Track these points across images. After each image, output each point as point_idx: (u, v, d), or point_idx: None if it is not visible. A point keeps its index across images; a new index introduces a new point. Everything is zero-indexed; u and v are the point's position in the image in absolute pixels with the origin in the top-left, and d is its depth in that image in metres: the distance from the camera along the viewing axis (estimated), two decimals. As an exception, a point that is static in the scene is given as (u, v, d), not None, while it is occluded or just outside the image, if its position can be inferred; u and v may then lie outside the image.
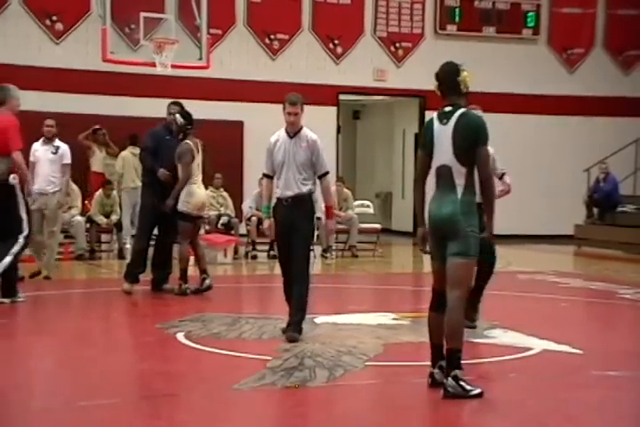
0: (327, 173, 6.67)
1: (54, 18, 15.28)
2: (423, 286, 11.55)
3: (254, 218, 13.28)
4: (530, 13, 17.96)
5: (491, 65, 17.10)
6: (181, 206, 8.79)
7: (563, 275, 11.44)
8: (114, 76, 14.15)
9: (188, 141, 8.87)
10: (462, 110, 5.10)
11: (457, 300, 5.00)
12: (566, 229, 16.27)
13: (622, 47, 18.42)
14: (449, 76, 5.19)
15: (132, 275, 9.06)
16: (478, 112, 6.33)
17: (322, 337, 6.70)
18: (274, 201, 6.76)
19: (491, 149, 6.58)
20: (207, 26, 13.75)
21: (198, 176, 8.99)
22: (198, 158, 8.95)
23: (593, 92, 17.91)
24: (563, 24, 18.12)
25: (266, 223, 6.83)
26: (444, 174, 5.07)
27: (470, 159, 5.02)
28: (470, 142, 5.02)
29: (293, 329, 6.52)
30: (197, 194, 8.92)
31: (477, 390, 4.98)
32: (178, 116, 8.93)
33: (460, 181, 5.03)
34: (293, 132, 6.62)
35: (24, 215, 8.11)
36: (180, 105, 9.26)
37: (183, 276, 8.89)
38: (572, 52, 18.35)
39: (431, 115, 5.26)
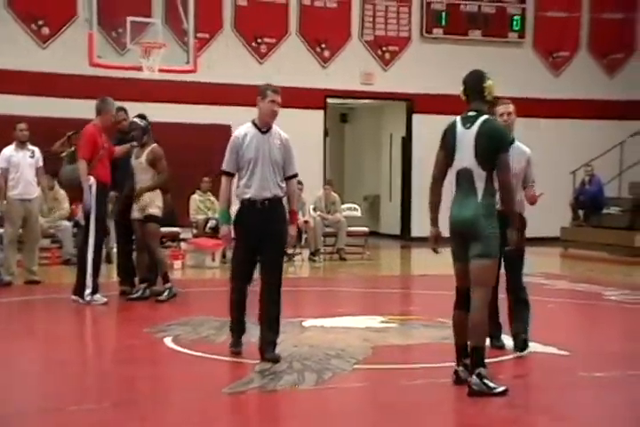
0: (296, 175, 6.15)
1: (40, 22, 15.23)
2: (411, 288, 11.61)
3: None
4: (515, 17, 18.04)
5: (477, 68, 17.13)
6: (154, 211, 8.73)
7: (549, 277, 11.49)
8: (101, 80, 14.11)
9: (156, 145, 8.78)
10: (486, 117, 5.26)
11: (480, 300, 5.13)
12: (553, 231, 16.34)
13: (607, 50, 18.53)
14: (475, 81, 5.35)
15: (125, 279, 9.20)
16: (509, 107, 6.35)
17: (310, 340, 6.71)
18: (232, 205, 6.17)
19: (528, 149, 6.46)
20: (194, 30, 13.76)
21: None
22: None
23: (578, 95, 17.99)
24: (548, 27, 18.21)
25: (225, 229, 6.11)
26: (465, 177, 5.20)
27: (490, 164, 5.16)
28: (492, 148, 5.15)
29: (273, 349, 5.99)
30: (163, 198, 8.93)
31: (501, 388, 5.06)
32: (137, 119, 8.85)
33: (480, 185, 5.17)
34: (267, 126, 6.03)
35: (94, 217, 8.46)
36: (125, 109, 9.28)
37: (166, 279, 8.86)
38: (558, 55, 18.45)
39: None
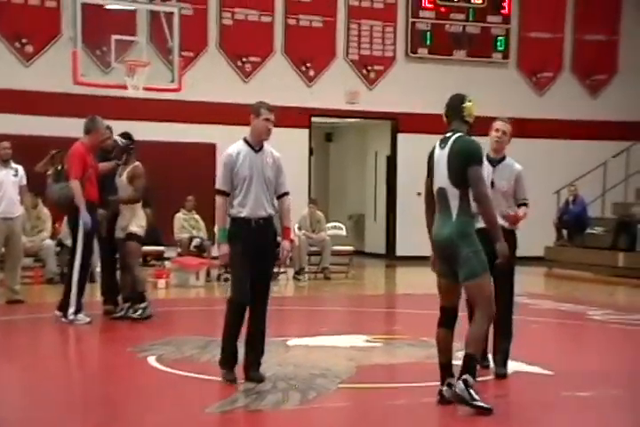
0: (288, 192, 6.08)
1: (24, 40, 15.23)
2: (395, 307, 11.60)
3: (226, 240, 13.26)
4: (500, 37, 18.19)
5: (461, 88, 17.03)
6: (136, 229, 8.69)
7: (533, 296, 11.50)
8: (85, 98, 14.11)
9: (138, 163, 8.79)
10: (458, 135, 5.28)
11: (483, 316, 5.19)
12: (537, 251, 16.38)
13: (590, 71, 18.71)
14: (454, 102, 5.39)
15: (108, 298, 9.09)
16: (505, 125, 6.19)
17: (295, 360, 6.68)
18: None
19: (519, 166, 6.20)
20: (179, 48, 13.78)
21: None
22: None
23: (562, 115, 18.14)
24: (532, 48, 18.38)
25: (225, 248, 5.88)
26: (442, 197, 5.25)
27: (463, 181, 5.17)
28: (461, 164, 5.17)
29: (257, 368, 5.92)
30: (145, 217, 8.88)
31: (484, 404, 5.05)
32: (118, 138, 8.86)
33: (454, 203, 5.19)
34: (260, 145, 5.95)
35: (81, 236, 8.41)
36: (109, 127, 9.21)
37: (142, 298, 8.75)
38: (541, 75, 18.60)
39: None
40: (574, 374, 6.40)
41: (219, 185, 5.93)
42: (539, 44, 18.43)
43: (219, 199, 5.91)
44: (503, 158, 6.24)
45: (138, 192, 8.73)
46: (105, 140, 9.14)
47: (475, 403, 5.02)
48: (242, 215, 5.86)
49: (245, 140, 5.97)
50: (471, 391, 5.03)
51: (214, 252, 13.40)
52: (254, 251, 5.84)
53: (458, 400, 5.04)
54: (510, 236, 6.07)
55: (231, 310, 5.90)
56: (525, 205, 6.25)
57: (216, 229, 6.02)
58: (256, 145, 5.95)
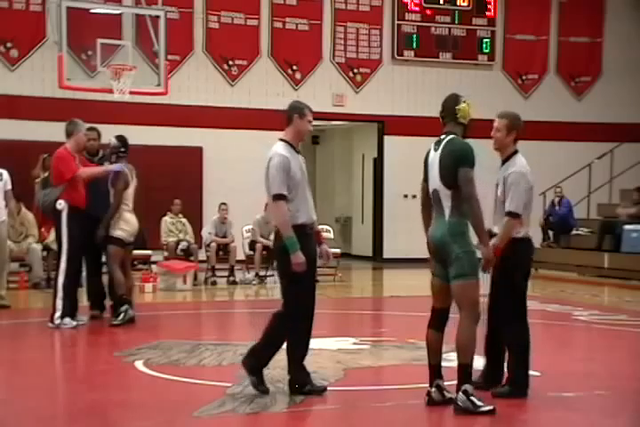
0: None
1: (9, 44, 15.19)
2: (383, 310, 11.61)
3: (213, 244, 13.29)
4: (485, 40, 18.28)
5: (447, 90, 17.08)
6: (117, 232, 8.64)
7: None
8: (71, 102, 14.08)
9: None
10: (451, 137, 5.28)
11: (465, 320, 5.16)
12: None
13: (574, 73, 18.83)
14: (449, 103, 5.38)
15: (94, 302, 9.09)
16: (494, 122, 5.73)
17: (282, 363, 6.66)
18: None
19: (515, 168, 5.57)
20: (165, 52, 13.78)
21: (131, 202, 8.82)
22: (132, 185, 8.80)
23: (547, 117, 18.21)
24: (517, 50, 18.49)
25: (301, 256, 5.44)
26: (436, 198, 5.29)
27: (454, 182, 5.18)
28: (452, 165, 5.18)
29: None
30: (132, 221, 8.81)
31: (488, 407, 5.08)
32: (113, 139, 8.83)
33: (447, 203, 5.21)
34: (298, 146, 5.71)
35: (65, 241, 8.44)
36: (97, 130, 9.15)
37: (122, 302, 8.65)
38: (527, 77, 18.70)
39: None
40: (560, 375, 6.43)
41: (278, 189, 5.46)
42: (524, 46, 18.54)
43: (282, 205, 5.47)
44: (507, 158, 5.73)
45: (117, 195, 8.67)
46: (90, 141, 9.03)
47: (480, 410, 5.06)
48: (300, 222, 5.53)
49: (286, 142, 5.65)
50: (473, 400, 5.07)
51: (201, 255, 13.50)
52: (313, 258, 5.65)
53: (462, 412, 5.05)
54: (522, 243, 5.74)
55: (297, 334, 5.75)
56: (508, 217, 5.58)
57: (284, 237, 5.48)
58: (296, 146, 5.69)
